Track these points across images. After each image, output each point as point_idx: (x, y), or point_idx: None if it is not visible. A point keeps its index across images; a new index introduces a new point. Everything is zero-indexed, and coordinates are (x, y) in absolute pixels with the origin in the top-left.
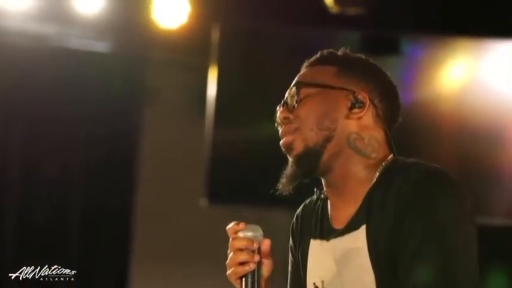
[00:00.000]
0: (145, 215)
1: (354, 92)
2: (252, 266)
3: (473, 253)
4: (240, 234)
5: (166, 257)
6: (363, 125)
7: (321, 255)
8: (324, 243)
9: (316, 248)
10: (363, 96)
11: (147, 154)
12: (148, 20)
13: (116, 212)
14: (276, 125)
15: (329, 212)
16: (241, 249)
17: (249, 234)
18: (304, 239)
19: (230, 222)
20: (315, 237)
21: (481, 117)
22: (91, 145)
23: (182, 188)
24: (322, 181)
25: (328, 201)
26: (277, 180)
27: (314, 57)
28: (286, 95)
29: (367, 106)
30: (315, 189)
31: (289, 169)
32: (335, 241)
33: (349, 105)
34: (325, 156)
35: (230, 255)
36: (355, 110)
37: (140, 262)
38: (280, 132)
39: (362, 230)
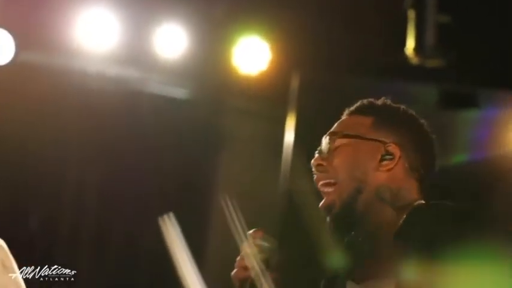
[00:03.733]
0: (220, 258)
1: (385, 144)
2: (252, 274)
3: None
4: (257, 241)
5: None
6: (392, 177)
7: None
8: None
9: None
10: (393, 148)
11: (221, 202)
12: (229, 65)
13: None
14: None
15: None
16: (248, 254)
17: (262, 243)
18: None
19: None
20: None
21: None
22: (165, 189)
23: None
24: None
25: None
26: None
27: (354, 106)
28: (322, 143)
29: (397, 158)
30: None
31: (331, 227)
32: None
33: (380, 157)
34: (358, 208)
35: (238, 257)
36: (385, 162)
37: None
38: (315, 178)
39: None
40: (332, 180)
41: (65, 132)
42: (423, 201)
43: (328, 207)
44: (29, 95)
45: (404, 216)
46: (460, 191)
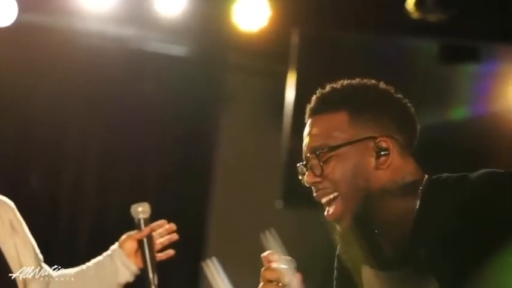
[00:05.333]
0: (221, 217)
1: (375, 139)
2: None
3: None
4: (273, 265)
5: (241, 258)
6: (393, 170)
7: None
8: (379, 273)
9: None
10: (385, 142)
11: (224, 157)
12: (228, 22)
13: (192, 215)
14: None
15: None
16: (270, 281)
17: (282, 266)
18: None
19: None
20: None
21: None
22: (167, 148)
23: (258, 191)
24: None
25: None
26: None
27: (317, 102)
28: (307, 156)
29: (391, 151)
30: None
31: (344, 236)
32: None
33: (375, 155)
34: (370, 212)
35: (260, 285)
36: (382, 159)
37: None
38: (315, 195)
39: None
40: (335, 194)
41: (65, 93)
42: (426, 176)
43: (337, 219)
44: (31, 55)
45: (418, 200)
46: (459, 146)
